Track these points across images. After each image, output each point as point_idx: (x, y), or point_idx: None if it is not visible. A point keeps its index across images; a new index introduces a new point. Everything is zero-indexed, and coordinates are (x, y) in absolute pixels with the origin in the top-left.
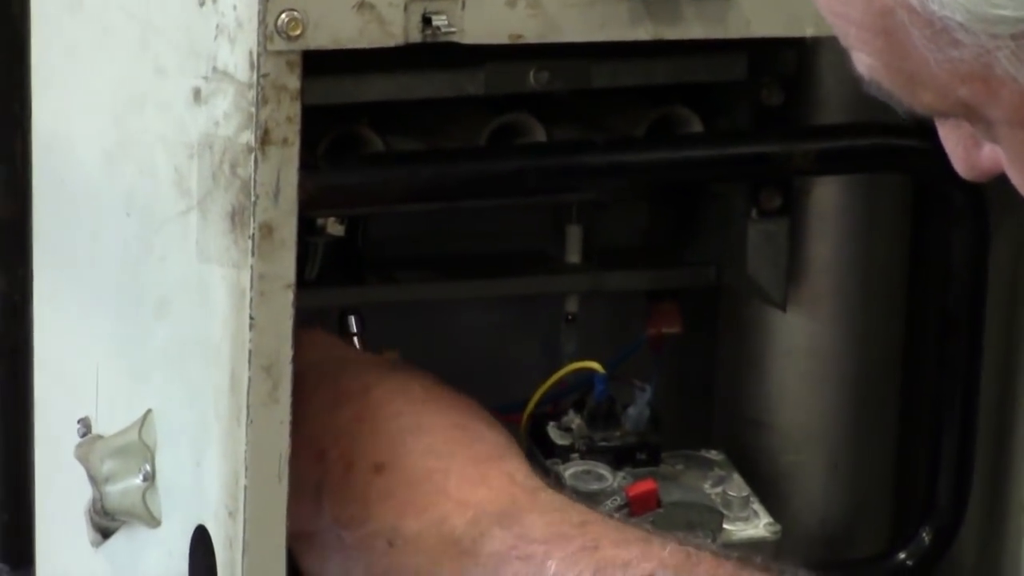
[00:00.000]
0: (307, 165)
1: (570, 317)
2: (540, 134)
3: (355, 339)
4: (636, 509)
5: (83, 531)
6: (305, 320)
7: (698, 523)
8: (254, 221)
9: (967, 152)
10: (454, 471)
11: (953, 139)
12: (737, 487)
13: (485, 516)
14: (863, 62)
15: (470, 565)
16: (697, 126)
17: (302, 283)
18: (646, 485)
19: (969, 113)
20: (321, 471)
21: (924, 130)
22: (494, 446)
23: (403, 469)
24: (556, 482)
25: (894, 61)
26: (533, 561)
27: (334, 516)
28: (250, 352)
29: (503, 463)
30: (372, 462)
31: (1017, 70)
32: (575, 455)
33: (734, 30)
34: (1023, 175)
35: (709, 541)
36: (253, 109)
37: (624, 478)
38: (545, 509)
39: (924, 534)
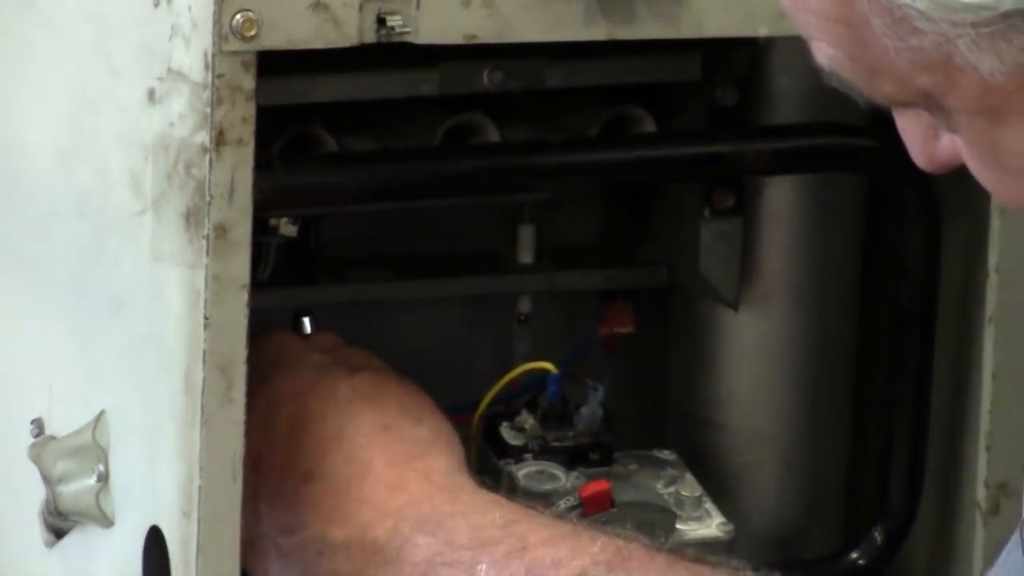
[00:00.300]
0: (261, 165)
1: (522, 317)
2: (494, 134)
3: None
4: (589, 509)
5: (37, 532)
6: (258, 320)
7: (651, 523)
8: (209, 221)
9: (925, 143)
10: (372, 477)
11: (911, 130)
12: (690, 487)
13: (405, 523)
14: (823, 52)
15: (396, 574)
16: (651, 126)
17: (255, 284)
18: (599, 485)
19: (929, 103)
20: (258, 478)
21: (877, 129)
22: (415, 444)
23: (327, 477)
24: (508, 484)
25: (854, 51)
26: (461, 567)
27: (270, 523)
28: (205, 352)
29: (421, 462)
30: (302, 470)
31: (977, 58)
32: (528, 455)
33: (687, 30)
34: (982, 164)
35: (662, 540)
36: (208, 110)
37: (577, 478)
38: (468, 511)
39: (876, 533)
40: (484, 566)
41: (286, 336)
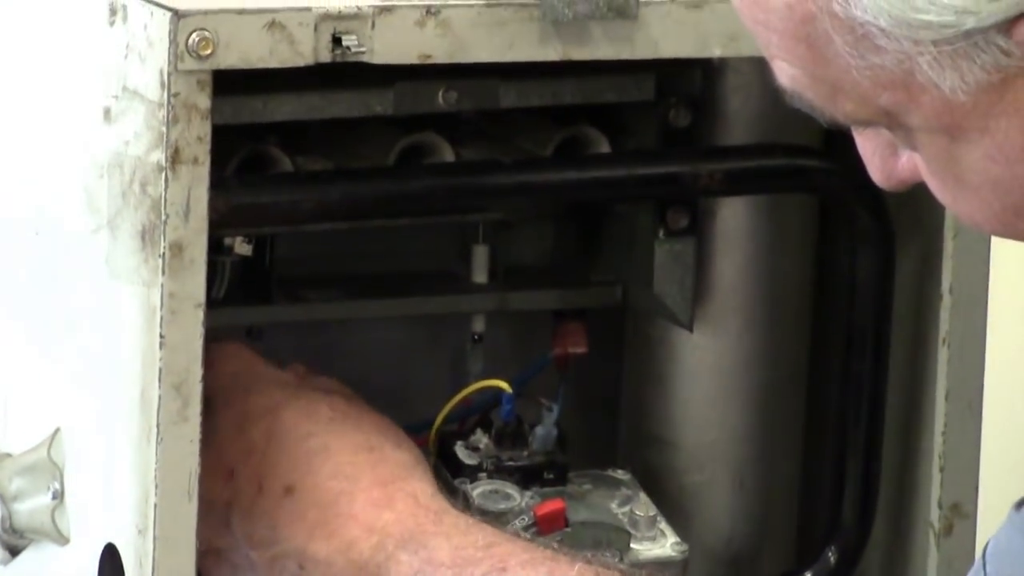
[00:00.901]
0: (217, 184)
1: (476, 337)
2: (448, 154)
3: None
4: (544, 528)
5: None
6: (212, 340)
7: (606, 542)
8: (164, 240)
9: (884, 161)
10: (360, 494)
11: (871, 148)
12: (644, 506)
13: (390, 540)
14: (785, 72)
15: None
16: (604, 146)
17: (209, 302)
18: (554, 504)
19: (890, 121)
20: (231, 490)
21: (829, 150)
22: (400, 466)
23: (311, 491)
24: (463, 503)
25: (816, 69)
26: None
27: (244, 536)
28: (160, 370)
29: (408, 484)
30: (282, 484)
31: (938, 76)
32: (483, 474)
33: (642, 51)
34: (941, 182)
35: (617, 560)
36: (164, 128)
37: (532, 497)
38: (451, 532)
39: (830, 553)
40: None
41: (250, 352)
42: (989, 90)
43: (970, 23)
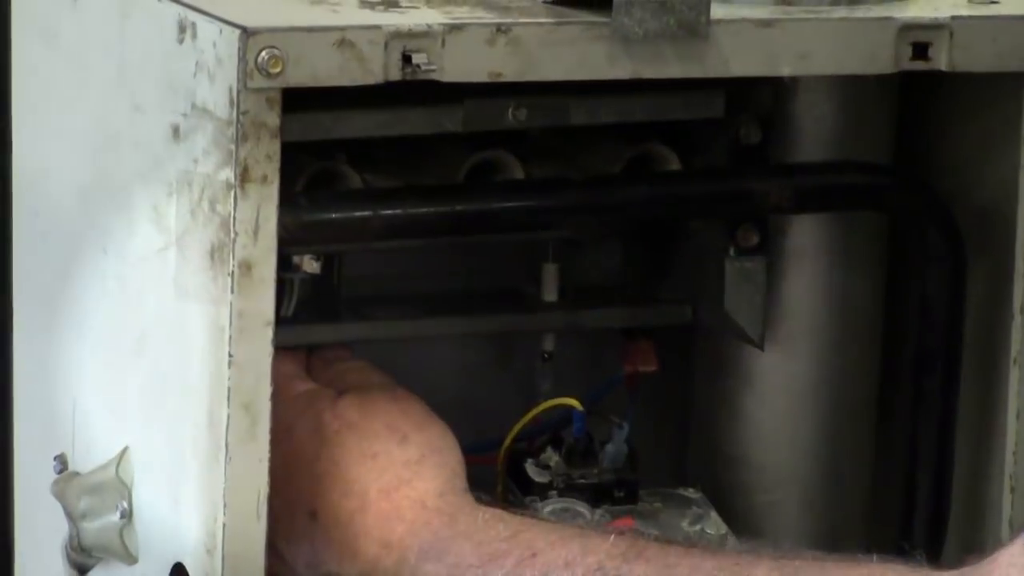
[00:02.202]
0: (286, 202)
1: (546, 355)
2: (518, 171)
3: None
4: None
5: (60, 568)
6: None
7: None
8: (233, 258)
9: None
10: (370, 508)
11: None
12: (715, 525)
13: (411, 553)
14: None
15: None
16: (674, 164)
17: (278, 320)
18: (624, 522)
19: None
20: (271, 519)
21: (899, 168)
22: (404, 467)
23: (330, 514)
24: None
25: None
26: None
27: (293, 560)
28: (229, 389)
29: (413, 487)
30: (307, 509)
31: None
32: (553, 492)
33: (712, 69)
34: None
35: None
36: (232, 146)
37: (602, 515)
38: (470, 531)
39: None
40: None
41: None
42: None
43: None
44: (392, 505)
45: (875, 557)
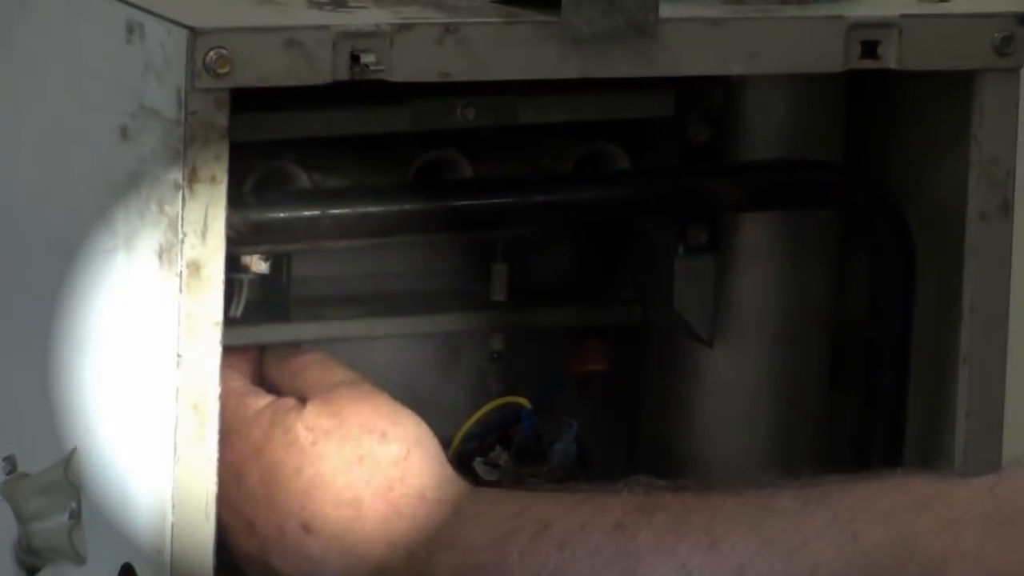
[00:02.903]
0: (234, 202)
1: (496, 355)
2: (467, 171)
3: None
4: None
5: (9, 569)
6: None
7: None
8: (181, 259)
9: None
10: (367, 514)
11: None
12: None
13: (420, 548)
14: None
15: None
16: (624, 162)
17: (227, 321)
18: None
19: None
20: (259, 539)
21: (850, 166)
22: (393, 466)
23: (325, 526)
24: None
25: None
26: (492, 567)
27: (289, 575)
28: (177, 390)
29: (407, 483)
30: (298, 524)
31: None
32: None
33: (662, 68)
34: None
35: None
36: (181, 147)
37: None
38: (477, 514)
39: None
40: (516, 555)
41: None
42: None
43: None
44: (390, 505)
45: (899, 470)
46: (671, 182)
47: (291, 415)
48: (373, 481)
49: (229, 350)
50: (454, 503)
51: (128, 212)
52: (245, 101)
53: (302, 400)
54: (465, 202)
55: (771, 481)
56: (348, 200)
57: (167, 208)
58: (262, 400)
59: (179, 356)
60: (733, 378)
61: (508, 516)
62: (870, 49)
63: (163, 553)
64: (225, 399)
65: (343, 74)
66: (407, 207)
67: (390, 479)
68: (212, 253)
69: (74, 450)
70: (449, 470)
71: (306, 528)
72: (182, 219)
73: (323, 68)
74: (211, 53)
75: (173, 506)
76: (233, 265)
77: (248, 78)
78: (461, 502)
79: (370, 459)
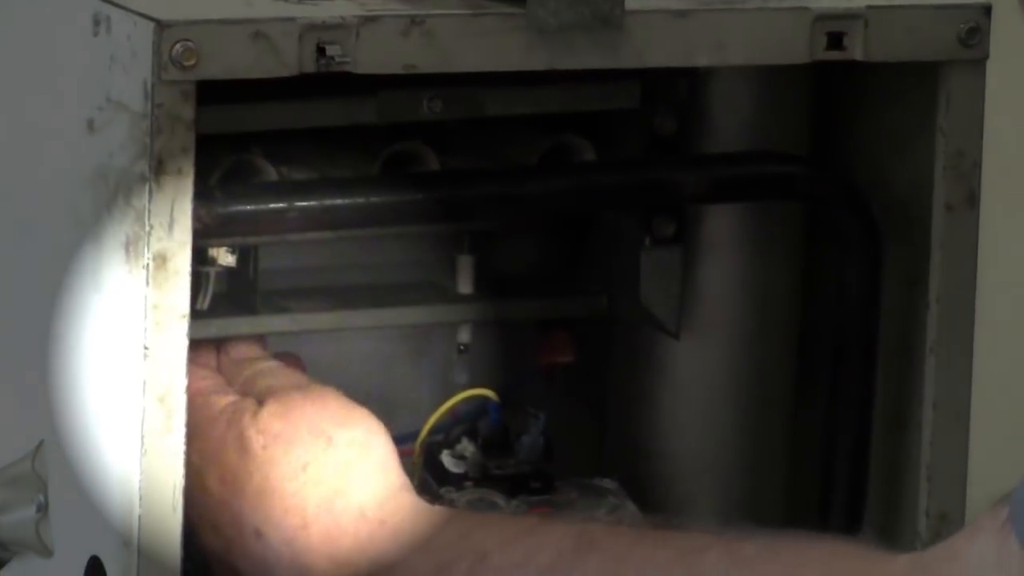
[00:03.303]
0: (201, 195)
1: (462, 347)
2: (433, 163)
3: None
4: None
5: None
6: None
7: None
8: (148, 251)
9: None
10: (312, 526)
11: None
12: (631, 516)
13: (362, 568)
14: None
15: None
16: (590, 154)
17: (194, 313)
18: (540, 513)
19: None
20: (223, 540)
21: (816, 158)
22: (337, 476)
23: (275, 533)
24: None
25: None
26: None
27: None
28: (144, 382)
29: (349, 497)
30: (252, 528)
31: None
32: (469, 483)
33: (627, 60)
34: None
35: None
36: (147, 139)
37: (518, 506)
38: (416, 540)
39: None
40: None
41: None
42: None
43: None
44: (333, 519)
45: (828, 538)
46: (637, 174)
47: (245, 417)
48: (318, 491)
49: (198, 344)
50: (395, 525)
51: (95, 205)
52: (212, 94)
53: (261, 401)
54: (431, 194)
55: (702, 531)
56: (315, 193)
57: (134, 200)
58: (223, 400)
59: (146, 348)
60: (699, 370)
61: (448, 544)
62: (836, 41)
63: (131, 545)
64: (192, 398)
65: (309, 66)
66: (373, 199)
67: (334, 490)
68: (179, 246)
69: (41, 443)
70: (395, 480)
71: (258, 533)
72: (149, 211)
73: (289, 60)
74: (177, 46)
75: (140, 498)
76: (200, 258)
77: (214, 70)
78: (403, 523)
79: (315, 465)
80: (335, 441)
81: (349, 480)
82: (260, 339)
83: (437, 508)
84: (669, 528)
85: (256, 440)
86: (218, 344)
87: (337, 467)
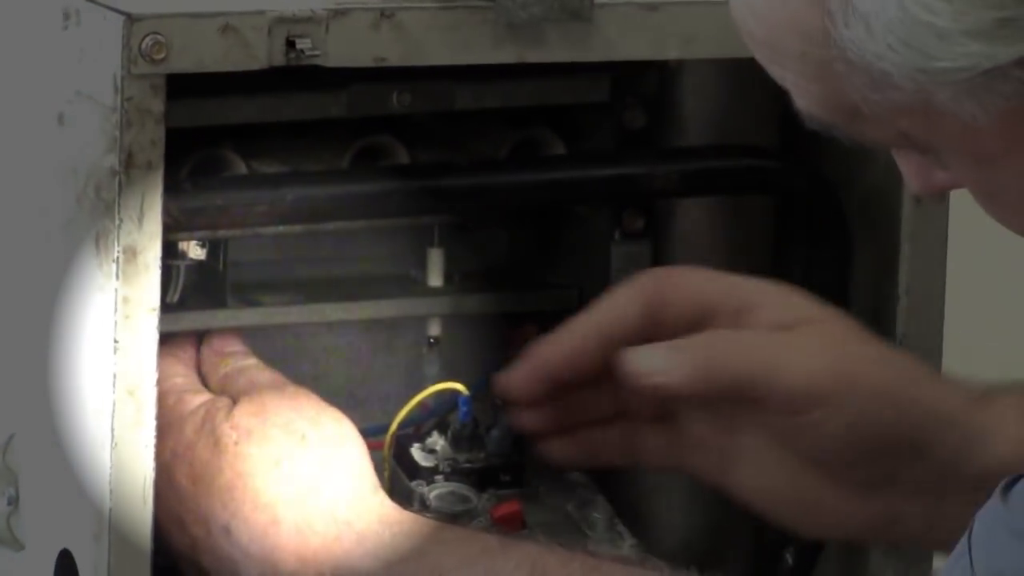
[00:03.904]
0: (171, 188)
1: (432, 340)
2: (403, 156)
3: None
4: (502, 530)
5: None
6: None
7: (563, 544)
8: (118, 244)
9: (920, 174)
10: (283, 522)
11: (906, 164)
12: (601, 508)
13: (326, 568)
14: (802, 101)
15: None
16: (559, 148)
17: (163, 307)
18: (511, 506)
19: (913, 143)
20: (190, 537)
21: (786, 151)
22: (311, 475)
23: (244, 528)
24: (419, 505)
25: (833, 103)
26: None
27: (215, 573)
28: (114, 375)
29: (321, 495)
30: (220, 525)
31: (957, 107)
32: (439, 476)
33: (597, 53)
34: (976, 196)
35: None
36: (117, 133)
37: (488, 499)
38: (377, 550)
39: (788, 555)
40: None
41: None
42: (1010, 115)
43: (986, 64)
44: (303, 516)
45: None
46: (607, 168)
47: (220, 414)
48: (290, 487)
49: (172, 338)
50: (362, 529)
51: (64, 198)
52: (181, 87)
53: (235, 400)
54: (401, 188)
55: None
56: (284, 186)
57: (103, 194)
58: (197, 399)
59: (116, 342)
60: None
61: (407, 558)
62: None
63: (101, 539)
64: (165, 395)
65: (279, 59)
66: (343, 193)
67: (306, 488)
68: (149, 239)
69: (12, 436)
70: (366, 482)
71: (226, 530)
72: (119, 205)
73: (259, 54)
74: (147, 39)
75: (111, 492)
76: (170, 251)
77: (184, 64)
78: (369, 527)
79: (288, 463)
80: (309, 439)
81: (321, 479)
82: (236, 336)
83: (403, 516)
84: (623, 561)
85: (229, 436)
86: (198, 336)
87: (310, 465)
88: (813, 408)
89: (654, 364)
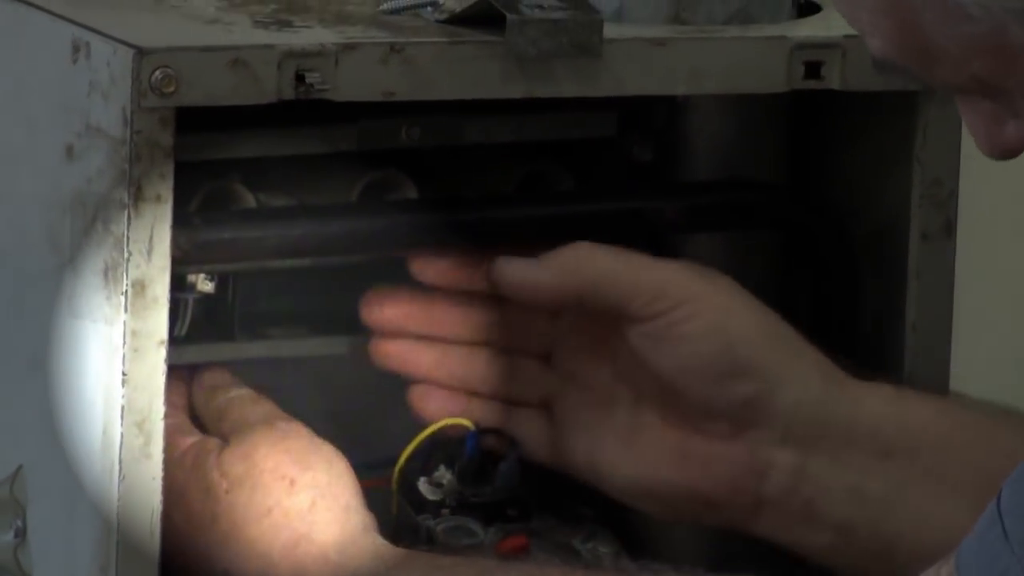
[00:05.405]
0: (180, 221)
1: None
2: (411, 191)
3: None
4: None
5: None
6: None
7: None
8: (127, 277)
9: (988, 130)
10: (277, 570)
11: (973, 117)
12: (608, 542)
13: None
14: (876, 44)
15: None
16: (567, 182)
17: (172, 340)
18: (517, 541)
19: (985, 88)
20: (194, 563)
21: (794, 186)
22: (300, 520)
23: (241, 572)
24: (426, 539)
25: (906, 40)
26: None
27: None
28: (122, 408)
29: (312, 541)
30: (219, 567)
31: None
32: (446, 511)
33: (606, 88)
34: None
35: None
36: (126, 166)
37: (495, 534)
38: None
39: None
40: None
41: None
42: None
43: None
44: (297, 562)
45: None
46: (614, 202)
47: (209, 459)
48: (281, 536)
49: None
50: (355, 569)
51: (73, 231)
52: (191, 120)
53: (225, 439)
54: (409, 222)
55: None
56: (293, 220)
57: (112, 227)
58: (188, 439)
59: (124, 375)
60: None
61: None
62: (814, 69)
63: (108, 571)
64: None
65: (288, 93)
66: (351, 227)
67: (297, 534)
68: (157, 272)
69: (20, 468)
70: (358, 521)
71: (226, 572)
72: (127, 238)
73: (268, 87)
74: (157, 72)
75: (118, 524)
76: (178, 284)
77: (194, 97)
78: (363, 567)
79: (278, 509)
80: (297, 484)
81: (312, 524)
82: (225, 370)
83: (397, 551)
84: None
85: (220, 484)
86: (189, 372)
87: (300, 511)
88: (674, 307)
89: (526, 273)
